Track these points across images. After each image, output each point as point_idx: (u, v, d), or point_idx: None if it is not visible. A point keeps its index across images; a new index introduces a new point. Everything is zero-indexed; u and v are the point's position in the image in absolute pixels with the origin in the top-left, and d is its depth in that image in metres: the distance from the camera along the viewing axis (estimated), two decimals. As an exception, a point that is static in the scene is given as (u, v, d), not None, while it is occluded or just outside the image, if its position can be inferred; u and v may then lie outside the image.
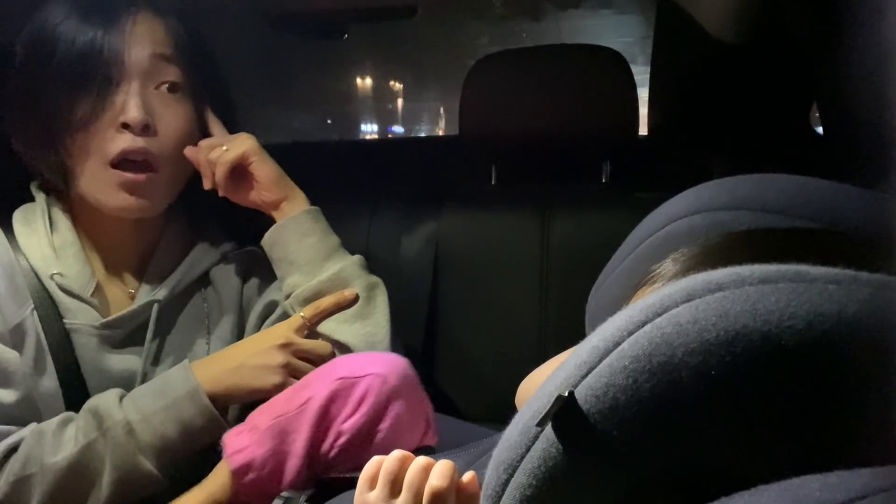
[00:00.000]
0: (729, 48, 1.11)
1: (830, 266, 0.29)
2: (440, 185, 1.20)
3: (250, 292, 0.90)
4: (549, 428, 0.30)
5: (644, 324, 0.29)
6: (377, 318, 0.84)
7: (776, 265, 0.30)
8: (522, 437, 0.31)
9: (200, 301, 0.88)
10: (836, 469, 0.25)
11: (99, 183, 0.80)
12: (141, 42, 0.80)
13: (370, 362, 0.69)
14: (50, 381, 0.78)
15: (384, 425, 0.66)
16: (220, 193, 0.85)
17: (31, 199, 0.86)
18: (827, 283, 0.28)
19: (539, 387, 0.33)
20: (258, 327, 0.89)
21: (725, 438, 0.28)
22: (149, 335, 0.83)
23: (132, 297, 0.85)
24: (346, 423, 0.66)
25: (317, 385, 0.69)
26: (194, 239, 0.89)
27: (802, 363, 0.27)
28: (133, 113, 0.78)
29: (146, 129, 0.80)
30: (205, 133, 0.86)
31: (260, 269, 0.90)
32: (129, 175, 0.79)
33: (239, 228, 0.92)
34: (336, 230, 0.89)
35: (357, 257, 0.87)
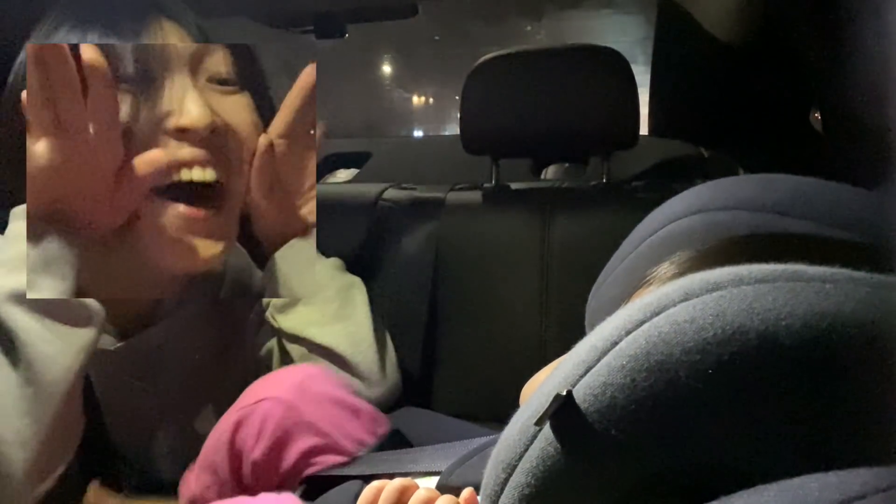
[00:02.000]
0: (729, 48, 1.11)
1: (828, 266, 0.29)
2: (440, 185, 1.21)
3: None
4: (547, 427, 0.30)
5: (642, 323, 0.29)
6: (357, 317, 0.82)
7: (773, 265, 0.30)
8: (521, 437, 0.31)
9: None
10: (835, 469, 0.24)
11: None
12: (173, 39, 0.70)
13: (265, 386, 0.68)
14: None
15: (297, 444, 0.64)
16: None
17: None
18: (824, 283, 0.28)
19: (538, 386, 0.33)
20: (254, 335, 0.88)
21: (723, 437, 0.28)
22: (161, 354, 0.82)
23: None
24: (255, 453, 0.65)
25: (227, 415, 0.68)
26: None
27: (799, 362, 0.27)
28: (195, 114, 0.64)
29: (215, 135, 0.66)
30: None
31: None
32: (190, 209, 0.68)
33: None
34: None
35: (332, 260, 0.86)
